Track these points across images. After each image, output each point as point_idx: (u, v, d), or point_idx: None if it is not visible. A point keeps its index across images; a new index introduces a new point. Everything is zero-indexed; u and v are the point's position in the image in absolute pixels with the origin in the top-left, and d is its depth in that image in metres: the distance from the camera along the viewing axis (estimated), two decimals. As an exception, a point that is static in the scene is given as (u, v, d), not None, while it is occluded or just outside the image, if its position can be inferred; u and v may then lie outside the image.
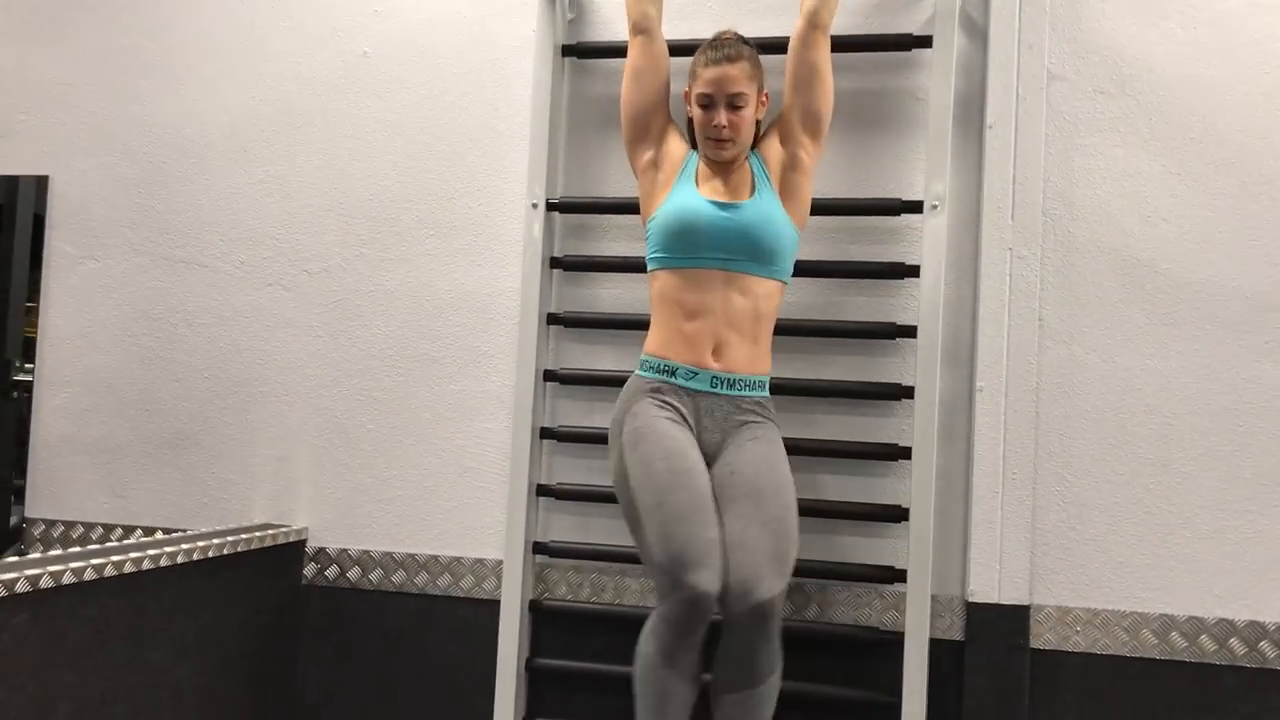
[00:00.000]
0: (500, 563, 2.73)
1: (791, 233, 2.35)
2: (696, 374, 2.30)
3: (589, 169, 2.81)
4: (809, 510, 2.56)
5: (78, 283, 3.10)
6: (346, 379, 2.92)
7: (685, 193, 2.36)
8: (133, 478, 3.03)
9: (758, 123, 2.41)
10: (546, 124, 2.71)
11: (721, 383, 2.30)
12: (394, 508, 2.87)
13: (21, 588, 1.94)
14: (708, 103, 2.33)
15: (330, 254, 2.95)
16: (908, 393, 2.52)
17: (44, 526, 3.06)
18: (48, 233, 3.12)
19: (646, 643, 2.17)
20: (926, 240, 2.50)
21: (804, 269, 2.50)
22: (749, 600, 2.07)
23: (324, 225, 2.96)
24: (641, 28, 2.46)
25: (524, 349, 2.70)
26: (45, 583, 1.99)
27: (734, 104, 2.31)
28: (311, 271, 2.96)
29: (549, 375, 2.73)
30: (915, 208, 2.53)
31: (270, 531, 2.77)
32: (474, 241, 2.86)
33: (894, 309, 2.61)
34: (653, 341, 2.35)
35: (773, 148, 2.40)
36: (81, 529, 3.04)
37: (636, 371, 2.36)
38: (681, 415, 2.29)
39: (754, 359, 2.32)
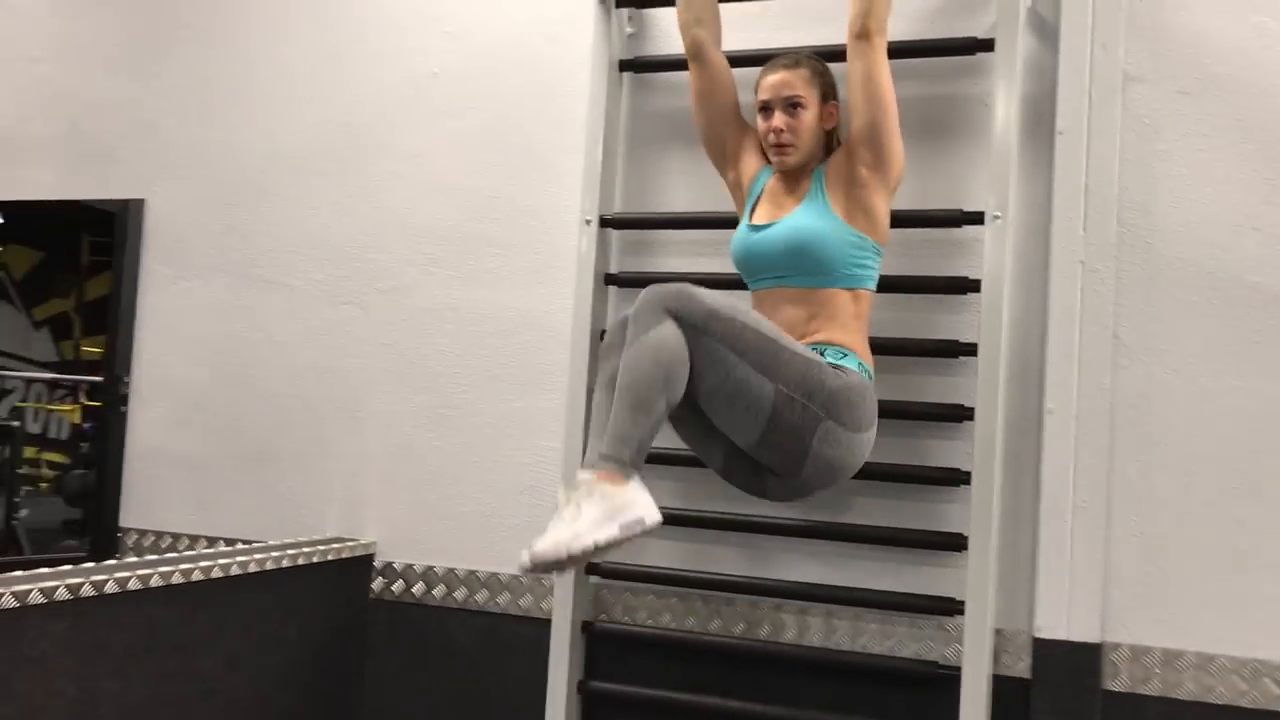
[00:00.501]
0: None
1: (847, 238, 2.23)
2: None
3: (649, 184, 2.77)
4: (865, 538, 2.47)
5: (170, 302, 3.23)
6: (415, 395, 2.96)
7: (741, 221, 2.39)
8: (218, 490, 3.14)
9: (831, 134, 2.36)
10: (601, 139, 2.68)
11: None
12: (457, 524, 2.89)
13: (61, 595, 2.02)
14: (766, 108, 2.32)
15: (401, 272, 3.00)
16: (970, 414, 2.38)
17: (136, 536, 3.19)
18: (143, 254, 3.27)
19: None
20: (987, 253, 2.37)
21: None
22: None
23: (394, 243, 3.01)
24: (694, 53, 2.45)
25: (576, 367, 2.67)
26: (86, 591, 2.07)
27: (791, 106, 2.29)
28: (383, 289, 3.01)
29: (603, 393, 2.70)
30: (977, 219, 2.40)
31: (336, 545, 2.82)
32: (536, 259, 2.86)
33: (957, 326, 2.47)
34: None
35: (837, 162, 2.32)
36: (170, 539, 3.15)
37: None
38: None
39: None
